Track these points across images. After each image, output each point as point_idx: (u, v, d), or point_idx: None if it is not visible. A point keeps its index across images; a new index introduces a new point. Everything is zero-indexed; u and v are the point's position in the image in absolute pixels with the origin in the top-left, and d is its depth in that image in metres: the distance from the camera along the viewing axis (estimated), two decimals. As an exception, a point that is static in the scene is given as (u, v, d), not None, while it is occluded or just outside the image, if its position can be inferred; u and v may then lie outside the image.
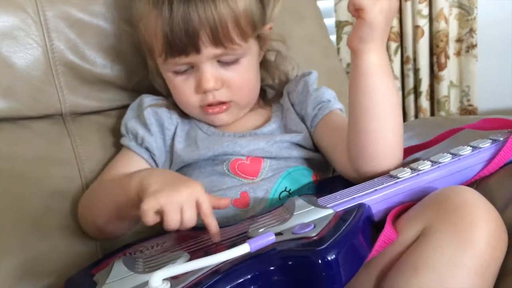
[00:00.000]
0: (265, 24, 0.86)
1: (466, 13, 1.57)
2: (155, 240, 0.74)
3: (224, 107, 0.85)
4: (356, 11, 0.66)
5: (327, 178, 0.87)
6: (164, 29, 0.77)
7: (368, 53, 0.68)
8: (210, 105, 0.84)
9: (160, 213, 0.64)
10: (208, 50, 0.78)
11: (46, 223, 0.85)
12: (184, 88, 0.83)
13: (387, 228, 0.62)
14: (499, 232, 0.59)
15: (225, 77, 0.82)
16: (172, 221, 0.64)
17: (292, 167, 0.83)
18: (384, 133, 0.70)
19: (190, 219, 0.64)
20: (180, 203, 0.64)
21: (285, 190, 0.81)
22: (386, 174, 0.71)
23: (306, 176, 0.84)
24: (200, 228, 0.68)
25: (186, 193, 0.65)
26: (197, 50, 0.78)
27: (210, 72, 0.81)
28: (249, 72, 0.85)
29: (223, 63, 0.81)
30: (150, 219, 0.64)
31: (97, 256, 0.87)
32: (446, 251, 0.58)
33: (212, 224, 0.66)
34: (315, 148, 0.86)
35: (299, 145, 0.85)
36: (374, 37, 0.67)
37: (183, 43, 0.77)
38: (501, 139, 0.70)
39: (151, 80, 0.92)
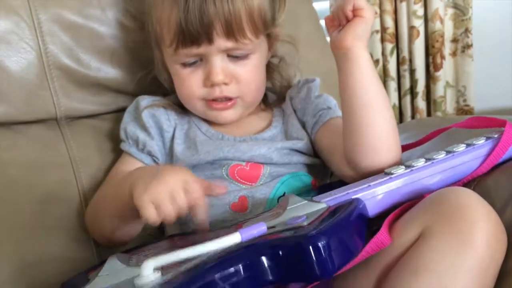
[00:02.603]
0: (275, 25, 0.86)
1: (461, 13, 1.58)
2: (152, 246, 0.74)
3: (230, 103, 0.84)
4: (353, 12, 0.73)
5: (326, 183, 0.87)
6: (179, 17, 0.77)
7: (362, 49, 0.73)
8: (215, 100, 0.83)
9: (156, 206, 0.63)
10: (221, 42, 0.78)
11: (41, 228, 0.85)
12: (190, 80, 0.83)
13: (382, 232, 0.62)
14: (499, 233, 0.59)
15: (234, 72, 0.82)
16: (167, 211, 0.63)
17: (291, 172, 0.83)
18: (380, 125, 0.73)
19: (181, 207, 0.63)
20: (169, 190, 0.63)
21: (283, 195, 0.80)
22: (383, 168, 0.71)
23: (304, 182, 0.84)
24: (196, 233, 0.68)
25: (173, 179, 0.64)
26: (210, 40, 0.78)
27: (220, 65, 0.80)
28: (258, 70, 0.85)
29: (233, 58, 0.81)
30: (150, 213, 0.62)
31: (94, 261, 0.86)
32: (446, 254, 0.58)
33: (201, 213, 0.65)
34: (315, 154, 0.86)
35: (299, 151, 0.85)
36: (367, 34, 0.74)
37: (197, 32, 0.77)
38: (496, 136, 0.70)
39: (156, 74, 0.91)
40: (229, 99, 0.84)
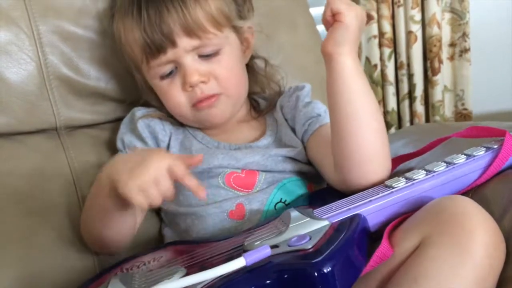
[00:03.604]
0: (242, 18, 0.87)
1: (458, 17, 1.58)
2: (151, 255, 0.74)
3: (214, 99, 0.84)
4: (333, 17, 0.70)
5: (322, 188, 0.87)
6: (140, 32, 0.80)
7: (343, 56, 0.70)
8: (200, 101, 0.84)
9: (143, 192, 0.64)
10: (184, 42, 0.80)
11: (42, 238, 0.85)
12: (171, 89, 0.84)
13: (384, 244, 0.62)
14: (497, 241, 0.59)
15: (210, 70, 0.83)
16: (154, 195, 0.64)
17: (287, 178, 0.83)
18: (366, 136, 0.71)
19: (167, 189, 0.65)
20: (154, 177, 0.64)
21: (280, 201, 0.81)
22: (372, 182, 0.71)
23: (300, 187, 0.84)
24: (195, 242, 0.68)
25: (155, 166, 0.65)
26: (173, 43, 0.80)
27: (192, 66, 0.82)
28: (233, 64, 0.85)
29: (205, 57, 0.82)
30: (139, 199, 0.64)
31: (94, 270, 0.86)
32: (445, 262, 0.58)
33: (192, 183, 0.66)
34: (309, 161, 0.86)
35: (293, 158, 0.84)
36: (349, 40, 0.69)
37: (159, 39, 0.79)
38: (495, 146, 0.70)
39: (143, 96, 0.92)
40: (212, 96, 0.84)
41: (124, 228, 0.79)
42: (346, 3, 0.69)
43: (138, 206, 0.65)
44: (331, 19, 0.70)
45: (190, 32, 0.80)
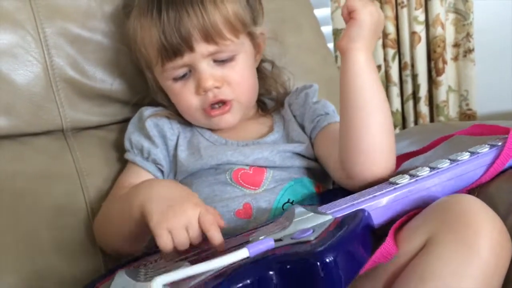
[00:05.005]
0: (256, 24, 0.88)
1: (462, 18, 1.58)
2: (158, 254, 0.74)
3: (227, 107, 0.85)
4: (349, 14, 0.73)
5: (329, 189, 0.87)
6: (158, 34, 0.81)
7: (356, 52, 0.72)
8: (212, 107, 0.85)
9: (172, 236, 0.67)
10: (201, 47, 0.81)
11: (49, 239, 0.86)
12: (184, 92, 0.85)
13: (388, 242, 0.62)
14: (503, 240, 0.59)
15: (224, 75, 0.84)
16: (181, 243, 0.66)
17: (294, 178, 0.84)
18: (373, 129, 0.73)
19: (195, 237, 0.67)
20: (185, 224, 0.66)
21: (288, 202, 0.81)
22: (376, 175, 0.72)
23: (308, 188, 0.84)
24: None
25: (189, 214, 0.67)
26: (191, 48, 0.80)
27: (207, 71, 0.83)
28: (246, 70, 0.87)
29: (219, 62, 0.83)
30: (167, 242, 0.66)
31: (101, 271, 0.87)
32: (451, 261, 0.58)
33: (215, 236, 0.67)
34: (316, 158, 0.87)
35: (301, 155, 0.85)
36: (363, 36, 0.72)
37: (177, 43, 0.80)
38: (499, 144, 0.70)
39: (153, 96, 0.93)
40: (224, 103, 0.85)
41: (144, 238, 0.79)
42: (361, 1, 0.72)
43: (162, 247, 0.66)
44: (347, 17, 0.73)
45: (208, 37, 0.81)
